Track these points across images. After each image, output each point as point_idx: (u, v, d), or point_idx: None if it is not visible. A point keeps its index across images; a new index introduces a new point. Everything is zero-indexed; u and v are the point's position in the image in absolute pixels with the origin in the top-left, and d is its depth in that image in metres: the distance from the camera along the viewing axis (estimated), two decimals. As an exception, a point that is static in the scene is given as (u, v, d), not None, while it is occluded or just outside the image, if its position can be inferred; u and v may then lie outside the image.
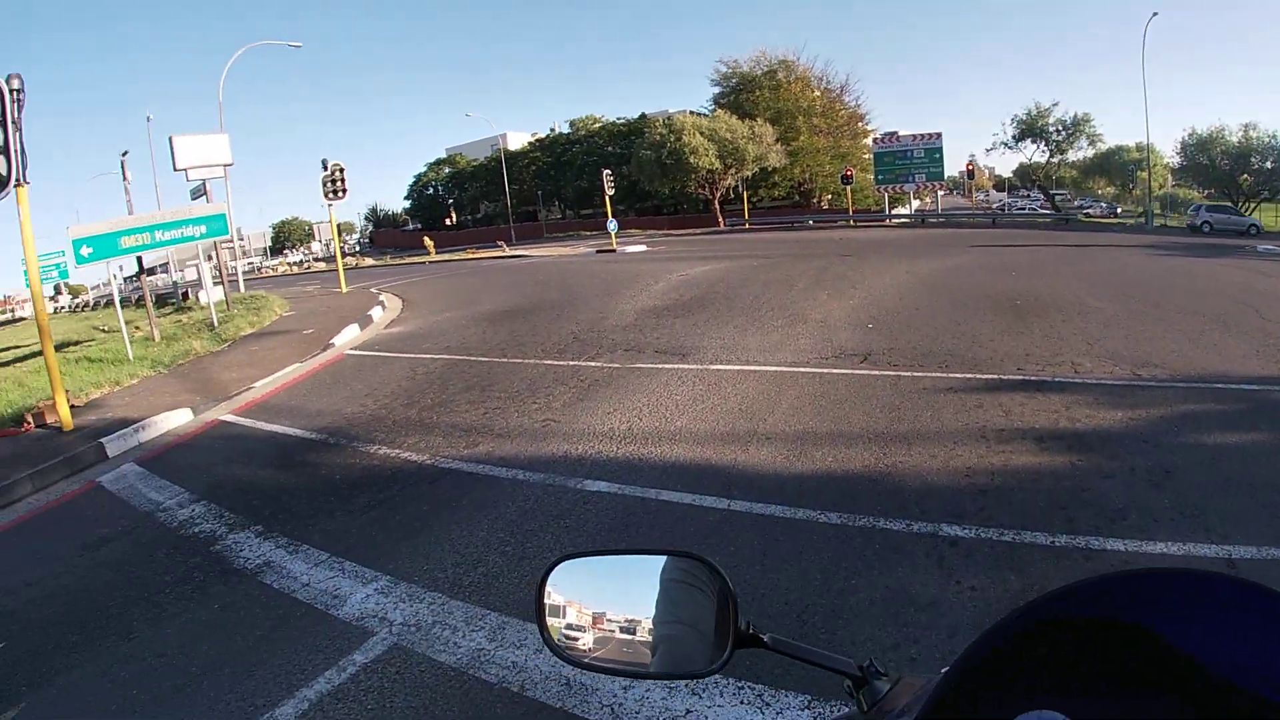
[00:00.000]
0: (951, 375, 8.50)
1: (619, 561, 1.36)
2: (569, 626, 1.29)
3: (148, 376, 12.71)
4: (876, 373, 8.73)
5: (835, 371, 8.88)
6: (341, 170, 24.74)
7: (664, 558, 1.27)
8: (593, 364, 10.22)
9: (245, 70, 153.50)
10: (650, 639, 1.22)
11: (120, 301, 17.03)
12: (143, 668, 4.24)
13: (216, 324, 17.58)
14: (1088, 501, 5.20)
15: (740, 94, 59.73)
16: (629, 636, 1.23)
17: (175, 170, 21.95)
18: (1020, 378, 8.33)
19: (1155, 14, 45.33)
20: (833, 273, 18.12)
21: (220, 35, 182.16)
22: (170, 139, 22.09)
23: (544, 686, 3.66)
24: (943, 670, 0.83)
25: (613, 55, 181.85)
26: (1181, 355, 9.30)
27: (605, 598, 1.29)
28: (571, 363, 10.43)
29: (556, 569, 1.32)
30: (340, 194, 24.85)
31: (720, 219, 55.71)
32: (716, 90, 62.88)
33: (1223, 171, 51.52)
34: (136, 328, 18.45)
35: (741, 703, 3.37)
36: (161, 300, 28.56)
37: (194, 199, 22.83)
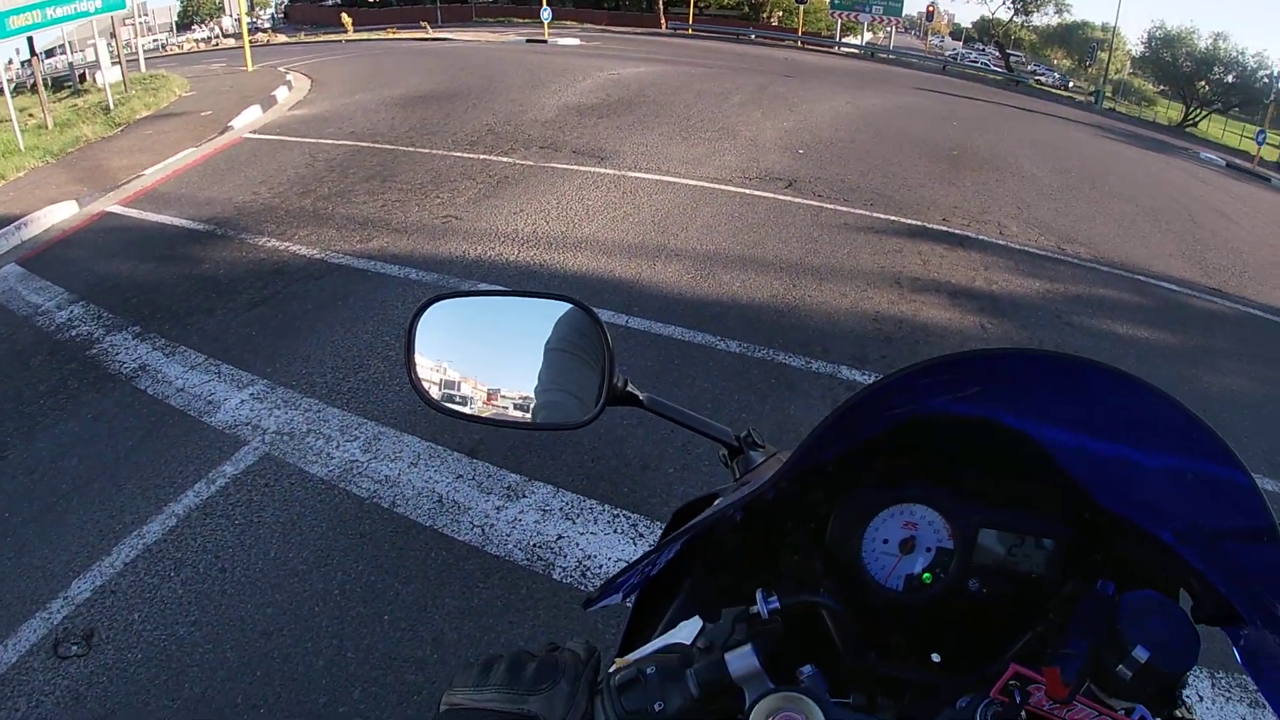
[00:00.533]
0: (875, 215, 8.17)
1: (491, 303, 1.29)
2: (431, 375, 1.16)
3: (35, 168, 11.57)
4: (800, 201, 8.32)
5: (757, 194, 8.42)
6: None
7: (539, 300, 1.16)
8: (505, 159, 9.51)
9: None
10: (523, 389, 1.13)
11: (14, 89, 15.41)
12: (14, 486, 3.92)
13: (112, 107, 16.07)
14: None
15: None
16: (501, 385, 1.14)
17: None
18: (944, 229, 8.06)
19: None
20: (771, 92, 17.29)
21: None
22: None
23: (415, 503, 3.50)
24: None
25: None
26: (1108, 239, 9.18)
27: (477, 341, 1.20)
28: (483, 156, 9.68)
29: (428, 311, 1.16)
30: None
31: (663, 20, 53.21)
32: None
33: (1183, 73, 51.22)
34: (30, 115, 16.82)
35: (615, 531, 3.26)
36: (58, 84, 26.21)
37: None
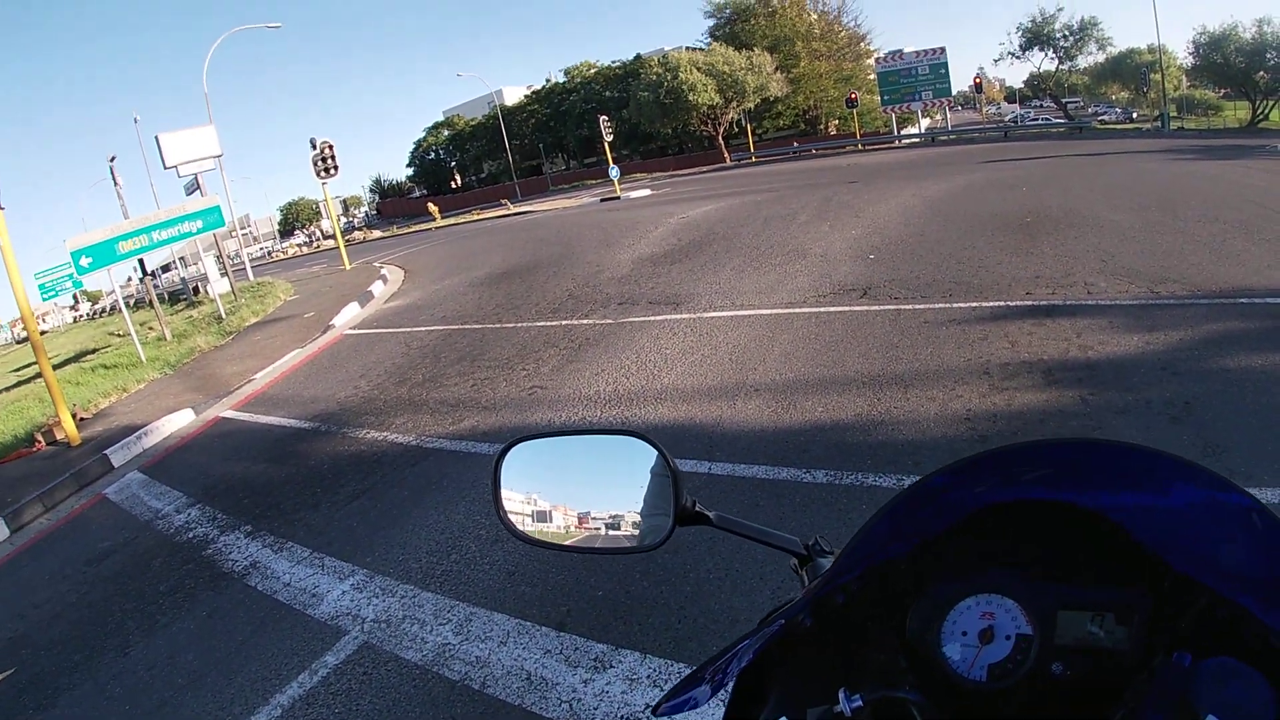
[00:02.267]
0: (955, 305, 8.17)
1: (563, 442, 1.41)
2: (521, 507, 1.30)
3: (154, 379, 12.88)
4: (876, 308, 8.42)
5: (832, 310, 8.58)
6: (331, 147, 24.31)
7: (605, 436, 1.31)
8: (585, 322, 10.00)
9: (233, 59, 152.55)
10: (599, 518, 1.24)
11: (135, 303, 17.08)
12: (134, 682, 4.34)
13: (224, 316, 17.52)
14: None
15: (735, 24, 58.52)
16: (577, 515, 1.26)
17: (165, 168, 21.79)
18: (1029, 303, 7.98)
19: None
20: (836, 202, 17.62)
21: (200, 29, 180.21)
22: (156, 138, 21.87)
23: (504, 683, 3.60)
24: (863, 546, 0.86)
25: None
26: (1202, 268, 8.85)
27: (556, 478, 1.32)
28: (564, 322, 10.21)
29: (510, 452, 1.33)
30: (332, 171, 24.42)
31: (725, 154, 54.93)
32: (711, 23, 61.82)
33: (1238, 69, 49.71)
34: (150, 328, 18.49)
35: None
36: (174, 297, 28.72)
37: (188, 195, 22.78)
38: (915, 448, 5.12)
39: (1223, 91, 57.68)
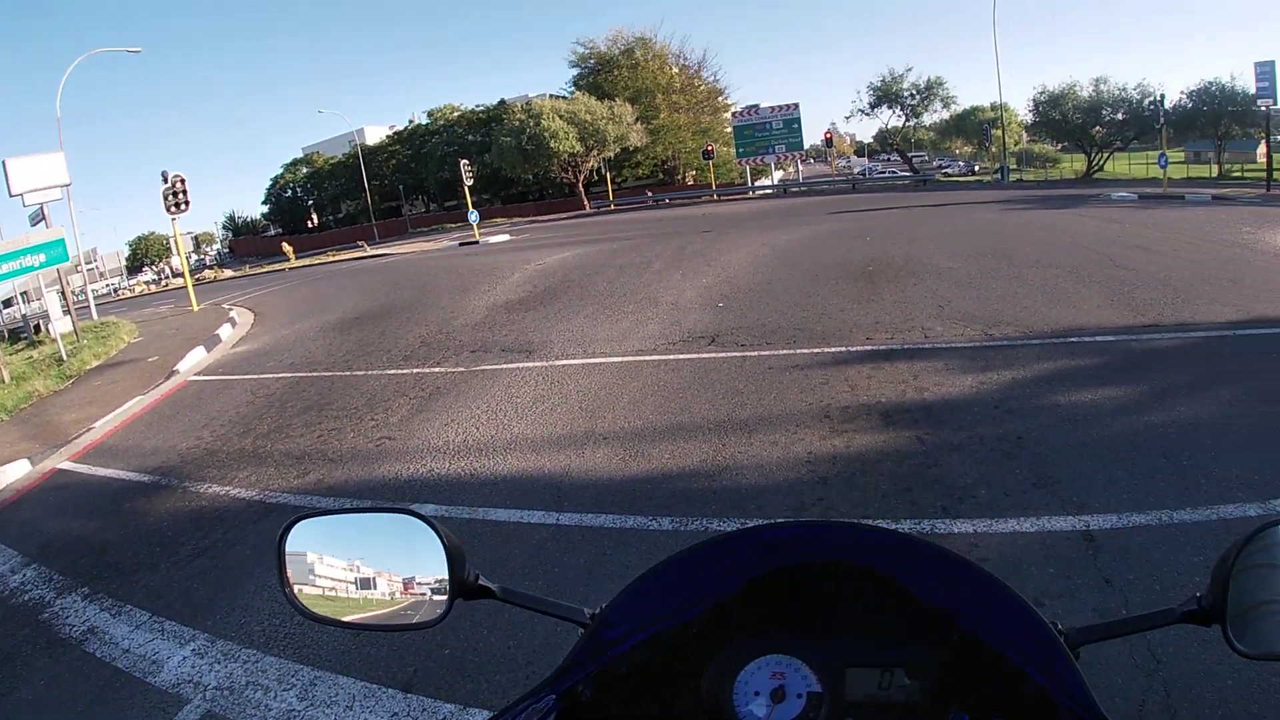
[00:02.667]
0: (798, 351, 8.27)
1: (346, 521, 1.36)
2: (305, 583, 1.27)
3: None
4: (723, 355, 8.44)
5: (682, 357, 8.55)
6: (183, 181, 22.97)
7: (382, 515, 1.29)
8: (437, 370, 9.65)
9: (88, 84, 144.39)
10: (380, 595, 1.24)
11: None
12: None
13: (65, 358, 16.28)
14: (935, 480, 5.01)
15: (599, 75, 59.38)
16: (361, 593, 1.25)
17: (11, 196, 20.14)
18: (869, 348, 8.17)
19: None
20: (690, 251, 17.86)
21: (54, 51, 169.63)
22: (3, 163, 20.22)
23: None
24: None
25: (470, 41, 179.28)
26: (1034, 311, 9.35)
27: (338, 556, 1.29)
28: (415, 370, 9.82)
29: (293, 530, 1.29)
30: (183, 206, 23.05)
31: (585, 202, 55.31)
32: (575, 72, 62.37)
33: (1075, 125, 53.75)
34: None
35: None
36: (14, 335, 26.68)
37: (33, 225, 21.14)
38: (759, 492, 5.10)
39: (1060, 145, 62.13)
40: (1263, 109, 37.39)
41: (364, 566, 1.27)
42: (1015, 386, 6.77)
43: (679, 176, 61.26)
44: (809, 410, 6.45)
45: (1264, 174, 39.59)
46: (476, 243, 33.29)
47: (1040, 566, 3.87)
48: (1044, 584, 3.71)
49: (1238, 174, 53.00)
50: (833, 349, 8.25)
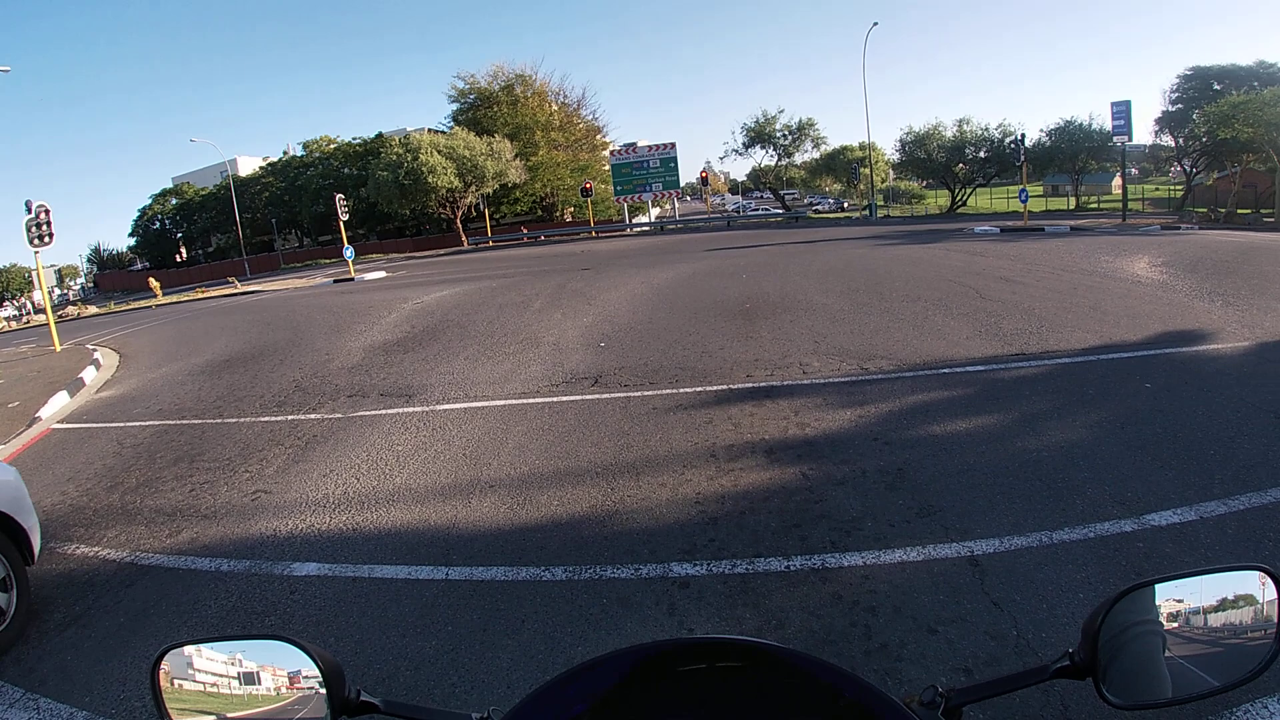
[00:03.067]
0: (681, 391, 8.31)
1: (220, 648, 1.30)
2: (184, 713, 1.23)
3: None
4: (607, 396, 8.40)
5: (565, 399, 8.46)
6: (47, 211, 21.54)
7: (254, 642, 1.26)
8: (313, 416, 9.25)
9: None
10: None
11: None
12: None
13: None
14: (822, 514, 5.07)
15: (478, 110, 59.25)
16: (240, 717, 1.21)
17: None
18: (749, 385, 8.29)
19: (876, 23, 49.76)
20: (570, 289, 17.86)
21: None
22: None
23: None
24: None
25: (349, 71, 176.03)
26: (907, 344, 9.69)
27: (214, 684, 1.25)
28: (290, 417, 9.40)
29: (166, 658, 1.26)
30: (46, 239, 21.63)
31: (463, 238, 54.84)
32: (455, 107, 62.16)
33: (939, 163, 56.82)
34: None
35: None
36: None
37: None
38: (649, 535, 5.04)
39: (925, 182, 65.47)
40: (1118, 144, 40.59)
41: (238, 694, 1.24)
42: (893, 418, 6.98)
43: (557, 213, 61.53)
44: (695, 450, 6.46)
45: (1119, 205, 42.97)
46: (352, 280, 32.56)
47: (930, 594, 3.95)
48: (935, 610, 3.79)
49: (1094, 205, 57.20)
50: (715, 387, 8.32)
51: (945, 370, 8.42)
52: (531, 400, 8.58)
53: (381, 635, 4.17)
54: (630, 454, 6.56)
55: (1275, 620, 1.21)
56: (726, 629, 3.85)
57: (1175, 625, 1.21)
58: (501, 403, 8.63)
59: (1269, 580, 1.24)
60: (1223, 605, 1.24)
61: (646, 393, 8.35)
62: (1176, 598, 1.22)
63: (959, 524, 4.72)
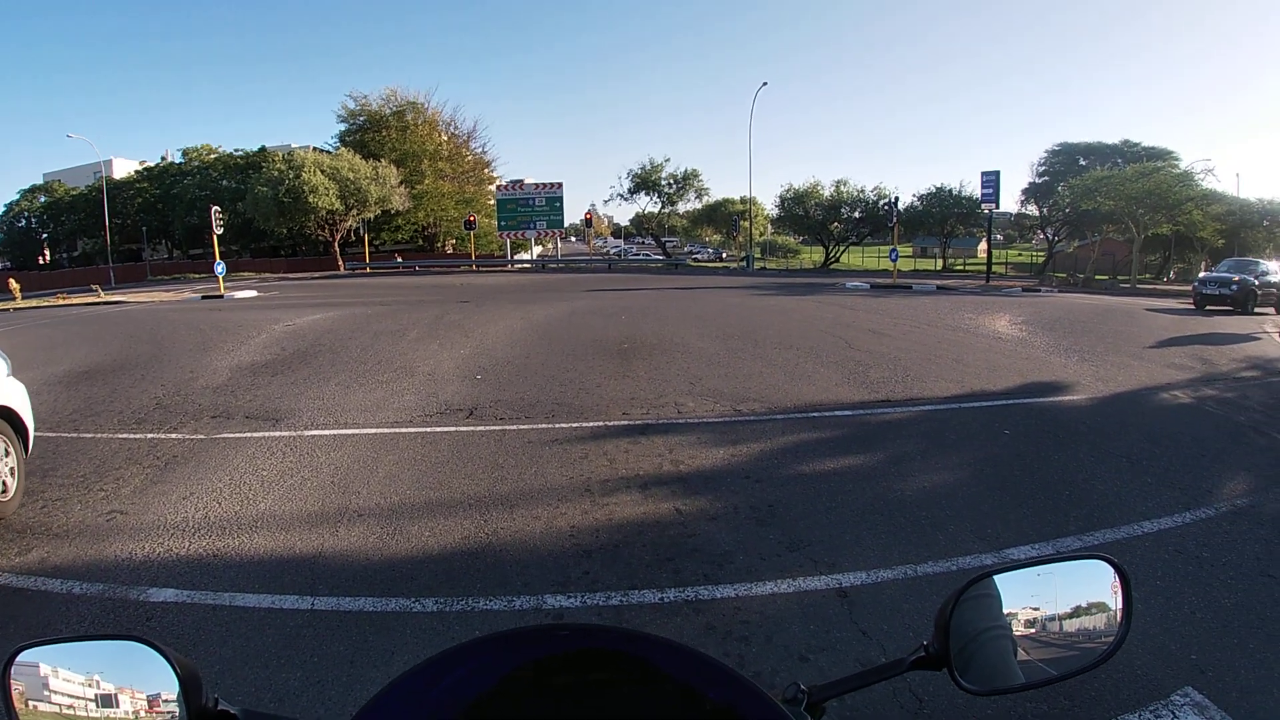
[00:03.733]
0: (557, 426, 8.31)
1: (74, 649, 1.19)
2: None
3: None
4: (482, 428, 8.31)
5: (439, 430, 8.31)
6: None
7: (108, 642, 1.17)
8: (174, 436, 8.79)
9: None
10: None
11: None
12: None
13: None
14: (695, 548, 5.13)
15: (367, 133, 58.33)
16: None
17: None
18: (625, 422, 8.36)
19: (765, 84, 51.64)
20: (447, 321, 17.66)
21: None
22: None
23: None
24: None
25: (237, 81, 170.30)
26: (778, 388, 10.00)
27: (69, 686, 1.14)
28: (150, 435, 8.90)
29: (18, 660, 1.15)
30: None
31: (340, 262, 53.62)
32: (344, 127, 61.00)
33: (816, 221, 59.26)
34: None
35: None
36: None
37: None
38: (523, 567, 4.99)
39: (802, 238, 68.00)
40: (985, 211, 43.38)
41: (97, 697, 1.15)
42: (764, 458, 7.17)
43: (439, 244, 60.89)
44: (570, 484, 6.46)
45: (984, 267, 45.95)
46: (221, 297, 31.31)
47: (801, 624, 4.06)
48: (806, 640, 3.89)
49: (960, 267, 60.72)
50: (591, 423, 8.36)
51: (815, 414, 8.72)
52: (404, 430, 8.40)
53: (243, 666, 3.98)
54: (504, 486, 6.50)
55: (1119, 608, 1.28)
56: None
57: (1023, 613, 1.25)
58: (373, 431, 8.42)
59: (1111, 569, 1.30)
60: (1070, 594, 1.29)
61: (522, 426, 8.31)
62: (1024, 587, 1.27)
63: (828, 557, 4.88)
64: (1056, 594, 1.28)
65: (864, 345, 13.76)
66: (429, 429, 8.37)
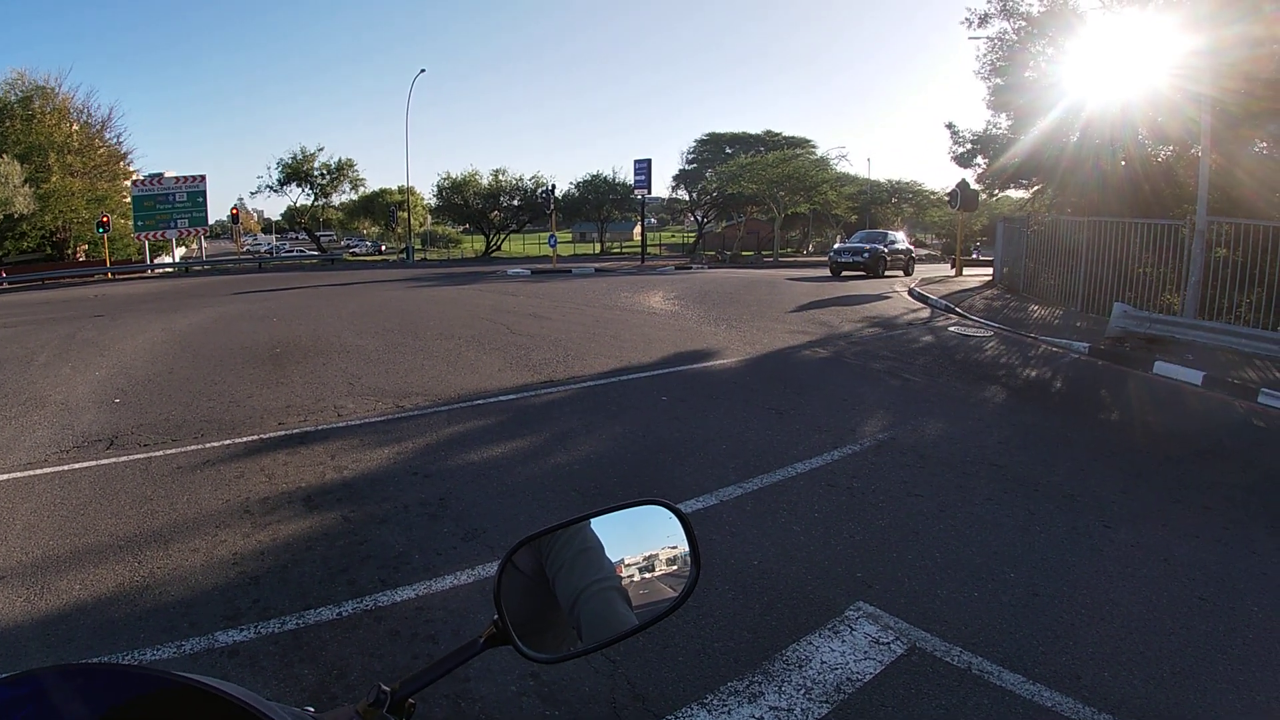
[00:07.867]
0: (208, 445, 7.97)
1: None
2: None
3: None
4: (125, 459, 7.74)
5: (78, 466, 7.61)
6: None
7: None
8: None
9: None
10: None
11: None
12: None
13: None
14: (368, 555, 5.21)
15: (-13, 126, 48.22)
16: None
17: None
18: (283, 433, 8.24)
19: (423, 70, 51.00)
20: (81, 339, 15.89)
21: None
22: None
23: None
24: None
25: None
26: (441, 379, 10.25)
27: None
28: None
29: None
30: None
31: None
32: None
33: (476, 210, 59.61)
34: None
35: None
36: None
37: None
38: (188, 606, 4.77)
39: (463, 227, 67.97)
40: (639, 196, 46.22)
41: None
42: (431, 451, 7.42)
43: (70, 251, 52.27)
44: (227, 508, 6.28)
45: (639, 249, 49.29)
46: None
47: (486, 613, 4.22)
48: (496, 626, 4.18)
49: (617, 250, 64.30)
50: (245, 438, 8.11)
51: (479, 401, 9.08)
52: (39, 471, 7.57)
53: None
54: (156, 521, 6.16)
55: (686, 549, 1.36)
56: (286, 691, 3.78)
57: (623, 563, 1.31)
58: (4, 478, 7.50)
59: (669, 511, 1.38)
60: (636, 542, 1.35)
61: (170, 451, 7.86)
62: (617, 534, 1.33)
63: (503, 541, 5.17)
64: (642, 538, 1.35)
65: (526, 329, 14.32)
66: (67, 466, 7.66)
